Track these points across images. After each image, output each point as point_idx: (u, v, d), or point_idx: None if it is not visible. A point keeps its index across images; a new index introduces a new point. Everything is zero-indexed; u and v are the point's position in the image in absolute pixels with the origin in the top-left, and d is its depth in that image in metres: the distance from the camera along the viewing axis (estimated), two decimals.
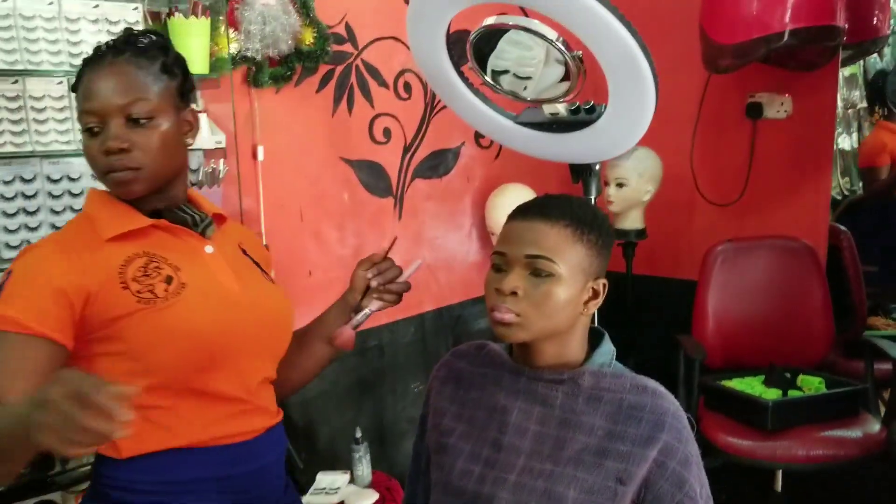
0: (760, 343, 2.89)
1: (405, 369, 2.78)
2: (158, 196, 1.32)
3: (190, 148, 1.38)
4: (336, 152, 2.54)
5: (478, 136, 2.96)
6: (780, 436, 2.48)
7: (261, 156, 2.34)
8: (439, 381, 1.41)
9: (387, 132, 2.66)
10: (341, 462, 2.54)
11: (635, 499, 1.20)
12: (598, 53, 1.65)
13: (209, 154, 2.20)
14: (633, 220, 2.98)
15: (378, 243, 2.68)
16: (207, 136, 2.16)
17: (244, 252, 1.46)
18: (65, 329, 1.19)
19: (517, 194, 2.86)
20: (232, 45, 2.22)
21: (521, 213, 1.25)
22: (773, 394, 2.60)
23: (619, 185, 2.92)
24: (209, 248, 1.35)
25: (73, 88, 1.30)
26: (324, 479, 2.39)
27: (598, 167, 2.02)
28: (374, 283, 1.46)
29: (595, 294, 1.25)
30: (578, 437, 1.21)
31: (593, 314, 1.29)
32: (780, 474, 2.66)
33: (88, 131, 1.26)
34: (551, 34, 1.75)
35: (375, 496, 2.30)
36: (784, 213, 3.03)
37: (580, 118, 1.88)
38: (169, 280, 1.26)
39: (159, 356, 1.23)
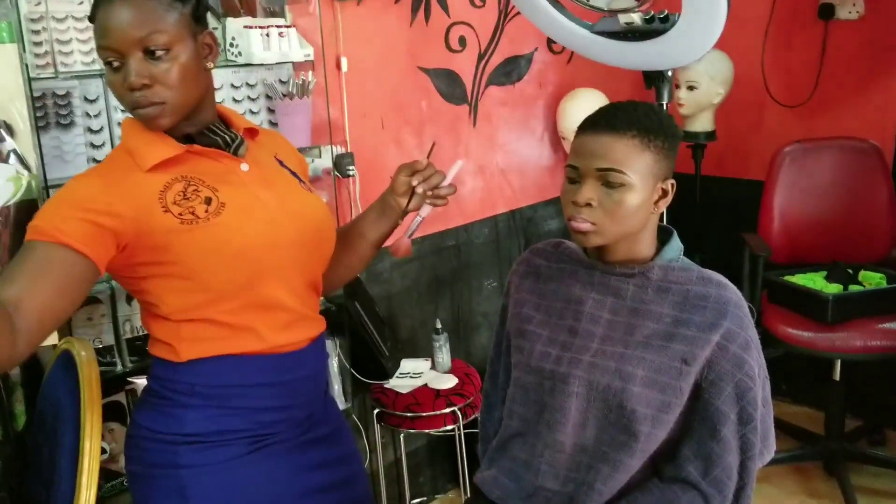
0: (824, 240, 2.97)
1: (480, 268, 2.96)
2: (187, 122, 1.35)
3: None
4: (414, 62, 2.67)
5: (550, 42, 3.04)
6: (839, 328, 2.61)
7: (345, 67, 2.48)
8: (519, 276, 1.55)
9: (462, 40, 2.77)
10: (422, 351, 2.76)
11: (698, 377, 1.33)
12: None
13: (298, 66, 2.35)
14: (703, 123, 3.05)
15: (455, 149, 2.82)
16: (297, 49, 2.30)
17: (280, 163, 1.50)
18: (92, 245, 1.21)
19: (589, 99, 2.96)
20: None
21: (590, 125, 1.31)
22: (833, 288, 2.71)
23: (690, 88, 2.98)
24: (244, 167, 1.40)
25: (91, 19, 1.29)
26: (408, 364, 2.62)
27: (670, 73, 2.11)
28: (420, 190, 1.50)
29: (664, 193, 1.34)
30: (647, 324, 1.34)
31: (662, 213, 1.39)
32: (838, 364, 2.78)
33: (108, 65, 1.27)
34: None
35: (455, 380, 2.51)
36: (853, 115, 3.06)
37: (654, 27, 1.97)
38: (208, 201, 1.31)
39: (210, 272, 1.30)
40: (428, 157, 1.53)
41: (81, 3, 1.88)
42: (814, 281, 2.78)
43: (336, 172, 2.48)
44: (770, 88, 3.23)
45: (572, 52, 3.08)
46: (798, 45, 3.15)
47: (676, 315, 1.34)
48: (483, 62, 2.85)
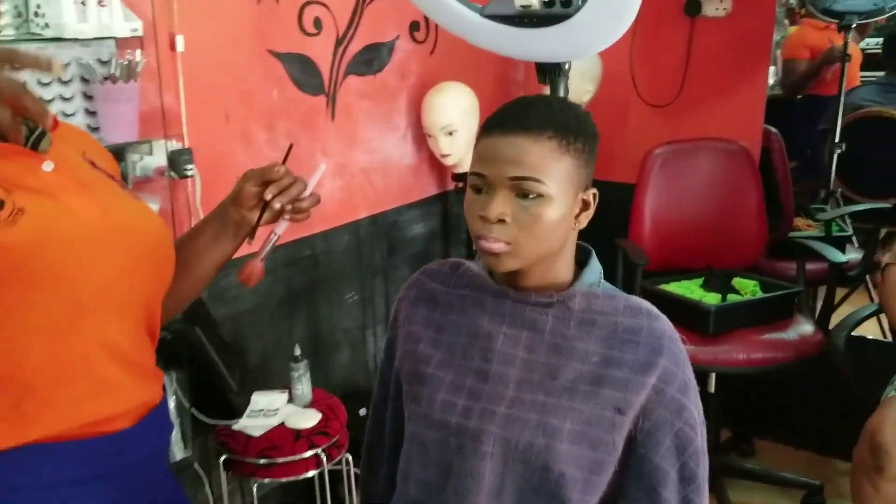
0: (696, 245, 2.88)
1: (340, 279, 2.63)
2: None
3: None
4: (264, 44, 2.29)
5: (413, 29, 2.75)
6: (721, 340, 2.50)
7: (180, 46, 2.07)
8: (409, 303, 1.29)
9: (317, 22, 2.42)
10: (277, 380, 2.41)
11: (632, 428, 1.13)
12: None
13: (123, 44, 1.93)
14: None
15: (311, 146, 2.47)
16: (121, 22, 1.88)
17: (93, 164, 1.16)
18: None
19: (456, 94, 2.70)
20: None
21: (499, 125, 1.11)
22: (712, 298, 2.61)
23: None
24: (48, 165, 1.03)
25: None
26: (261, 399, 2.25)
27: (567, 66, 1.88)
28: (277, 205, 1.19)
29: (586, 205, 1.14)
30: (572, 365, 1.13)
31: None
32: (713, 377, 2.69)
33: None
34: None
35: (317, 416, 2.18)
36: (719, 115, 2.99)
37: (554, 12, 1.72)
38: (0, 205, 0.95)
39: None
40: (284, 162, 1.22)
41: None
42: (690, 290, 2.67)
43: (171, 172, 2.08)
44: (638, 87, 3.11)
45: (436, 42, 2.81)
46: (665, 42, 3.05)
47: (605, 353, 1.13)
48: (341, 48, 2.52)
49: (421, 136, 2.81)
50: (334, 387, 2.60)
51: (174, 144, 2.11)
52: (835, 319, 2.67)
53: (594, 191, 1.15)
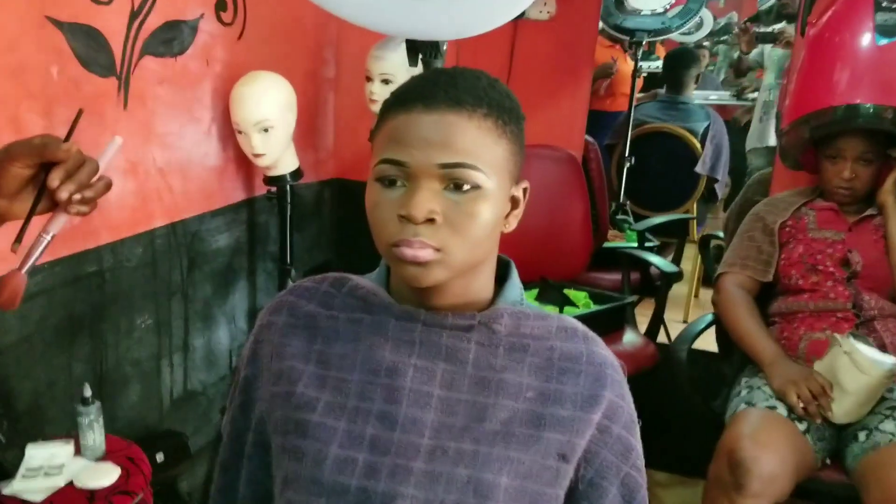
0: (527, 255, 2.73)
1: (130, 301, 2.19)
2: None
3: None
4: (41, 8, 1.83)
5: (219, 9, 2.37)
6: None
7: None
8: (278, 331, 1.00)
9: None
10: (55, 426, 1.93)
11: (574, 477, 0.94)
12: None
13: None
14: None
15: (99, 138, 2.02)
16: None
17: None
18: None
19: (270, 84, 2.35)
20: None
21: (421, 98, 0.88)
22: (549, 311, 2.47)
23: (385, 82, 2.54)
24: None
25: None
26: (38, 453, 1.77)
27: (445, 47, 1.64)
28: (64, 195, 0.90)
29: (515, 203, 0.96)
30: (503, 403, 0.92)
31: None
32: None
33: None
34: None
35: (115, 471, 1.75)
36: (544, 121, 2.90)
37: None
38: None
39: None
40: (70, 135, 0.95)
41: None
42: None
43: None
44: None
45: (244, 26, 2.46)
46: (487, 44, 2.89)
47: (542, 386, 0.94)
48: (136, 22, 2.09)
49: (227, 133, 2.43)
50: (121, 430, 2.15)
51: None
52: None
53: (525, 184, 0.97)
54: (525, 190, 0.97)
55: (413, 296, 0.96)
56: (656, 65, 4.65)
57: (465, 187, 0.86)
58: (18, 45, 1.79)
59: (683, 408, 2.32)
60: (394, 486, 0.88)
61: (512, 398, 0.92)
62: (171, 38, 2.21)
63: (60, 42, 1.89)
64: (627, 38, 3.70)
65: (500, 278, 1.03)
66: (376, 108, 2.59)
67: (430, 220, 0.85)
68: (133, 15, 2.07)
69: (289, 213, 2.48)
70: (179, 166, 2.30)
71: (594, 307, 2.53)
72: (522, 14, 2.81)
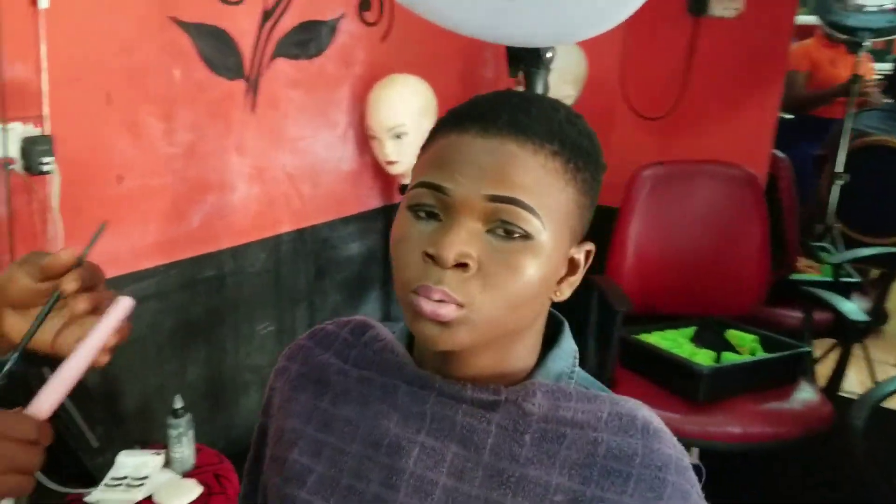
0: (686, 287, 2.45)
1: (252, 306, 2.15)
2: None
3: None
4: (164, 9, 1.81)
5: (363, 8, 2.27)
6: (713, 409, 2.06)
7: (44, 2, 1.59)
8: (289, 382, 0.86)
9: None
10: (160, 432, 1.92)
11: None
12: None
13: None
14: None
15: (222, 142, 1.99)
16: None
17: None
18: None
19: (408, 88, 2.23)
20: None
21: (480, 119, 0.70)
22: (704, 356, 2.16)
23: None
24: None
25: None
26: (128, 462, 1.75)
27: (550, 55, 1.43)
28: (81, 305, 0.73)
29: (573, 267, 0.75)
30: None
31: None
32: (695, 451, 2.26)
33: None
34: None
35: (197, 490, 1.69)
36: (722, 133, 2.56)
37: None
38: None
39: None
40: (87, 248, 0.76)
41: None
42: (679, 343, 2.23)
43: (22, 166, 1.59)
44: (627, 94, 2.66)
45: (390, 25, 2.34)
46: (662, 43, 2.60)
47: (577, 489, 0.72)
48: (270, 24, 2.03)
49: (364, 138, 2.33)
50: (237, 439, 2.12)
51: (30, 129, 1.63)
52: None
53: (590, 247, 0.77)
54: (589, 253, 0.77)
55: (435, 358, 0.77)
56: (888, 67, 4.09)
57: (516, 234, 0.68)
58: (138, 47, 1.77)
59: (860, 484, 1.94)
60: None
61: (534, 500, 0.72)
62: (308, 40, 2.14)
63: (185, 44, 1.86)
64: (849, 37, 3.24)
65: (550, 340, 0.82)
66: None
67: (462, 266, 0.67)
68: (266, 15, 2.02)
69: None
70: (310, 171, 2.23)
71: (761, 354, 2.18)
72: (704, 10, 2.49)
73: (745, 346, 2.23)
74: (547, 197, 0.69)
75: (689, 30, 2.55)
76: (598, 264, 2.37)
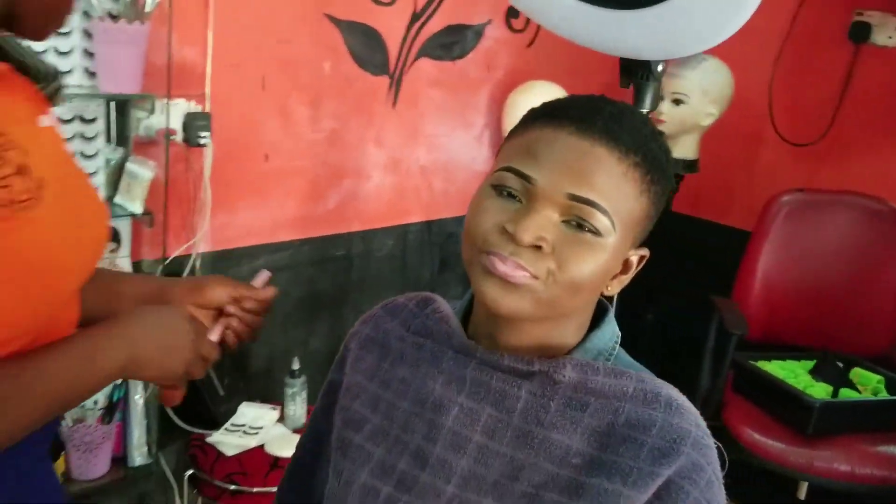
0: (813, 319, 2.36)
1: (376, 288, 2.29)
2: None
3: None
4: (320, 6, 1.98)
5: (510, 15, 2.36)
6: (821, 443, 2.00)
7: None
8: (360, 343, 0.96)
9: None
10: (276, 392, 2.09)
11: None
12: None
13: None
14: (684, 147, 2.41)
15: (363, 132, 2.14)
16: None
17: None
18: None
19: (545, 95, 2.29)
20: None
21: (577, 120, 0.77)
22: (820, 390, 2.09)
23: (677, 102, 2.33)
24: (46, 120, 0.84)
25: None
26: (248, 411, 1.94)
27: (660, 69, 1.46)
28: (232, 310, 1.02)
29: (626, 268, 0.82)
30: (541, 464, 0.79)
31: None
32: (805, 486, 2.19)
33: None
34: None
35: None
36: (871, 166, 2.44)
37: None
38: (23, 170, 0.74)
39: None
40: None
41: None
42: (795, 374, 2.16)
43: (182, 137, 1.80)
44: (775, 118, 2.59)
45: (537, 33, 2.41)
46: (817, 69, 2.52)
47: (593, 454, 0.78)
48: (418, 25, 2.16)
49: (500, 140, 2.42)
50: None
51: (192, 106, 1.83)
52: None
53: (645, 252, 0.83)
54: (642, 258, 0.83)
55: (488, 329, 0.85)
56: None
57: (586, 227, 0.75)
58: (294, 39, 1.95)
59: None
60: None
61: (554, 461, 0.78)
62: (452, 42, 2.26)
63: (337, 39, 2.03)
64: None
65: (594, 325, 0.88)
66: (662, 129, 2.39)
67: (536, 247, 0.74)
68: (414, 17, 2.15)
69: None
70: (443, 167, 2.34)
71: (884, 395, 2.08)
72: (866, 38, 2.40)
73: (869, 385, 2.13)
74: (622, 202, 0.75)
75: (848, 57, 2.46)
76: (725, 287, 2.34)
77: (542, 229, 0.74)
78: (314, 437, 1.02)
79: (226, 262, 1.95)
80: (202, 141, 1.82)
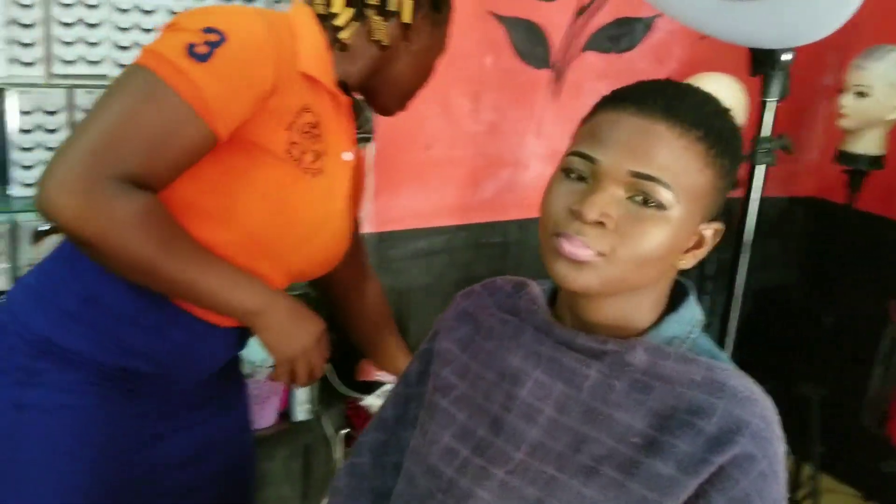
0: None
1: (530, 274, 2.28)
2: (358, 85, 1.16)
3: None
4: (484, 4, 2.08)
5: None
6: None
7: None
8: (456, 315, 1.04)
9: None
10: None
11: None
12: None
13: None
14: (868, 143, 2.25)
15: (521, 124, 2.22)
16: None
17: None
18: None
19: (716, 87, 2.24)
20: None
21: (635, 101, 0.82)
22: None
23: (860, 95, 2.18)
24: (349, 155, 1.16)
25: None
26: None
27: (790, 58, 1.42)
28: None
29: (700, 242, 0.86)
30: (603, 440, 0.83)
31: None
32: None
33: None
34: None
35: None
36: None
37: None
38: (316, 156, 1.08)
39: (255, 222, 1.04)
40: None
41: None
42: None
43: None
44: None
45: None
46: None
47: (652, 435, 0.81)
48: (583, 19, 2.20)
49: None
50: None
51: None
52: None
53: (718, 225, 0.86)
54: (717, 231, 0.86)
55: (569, 306, 0.92)
56: None
57: (650, 202, 0.79)
58: (457, 35, 2.05)
59: None
60: (473, 486, 0.88)
61: (615, 438, 0.82)
62: (620, 35, 2.27)
63: (499, 34, 2.12)
64: None
65: (673, 307, 0.92)
66: (844, 123, 2.25)
67: (600, 224, 0.80)
68: (580, 11, 2.19)
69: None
70: None
71: None
72: None
73: None
74: (684, 175, 0.79)
75: None
76: None
77: (606, 206, 0.78)
78: (403, 399, 1.10)
79: (387, 243, 2.11)
80: (369, 134, 2.00)
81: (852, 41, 2.57)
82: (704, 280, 2.56)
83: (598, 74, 2.28)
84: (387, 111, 1.22)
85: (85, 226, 0.91)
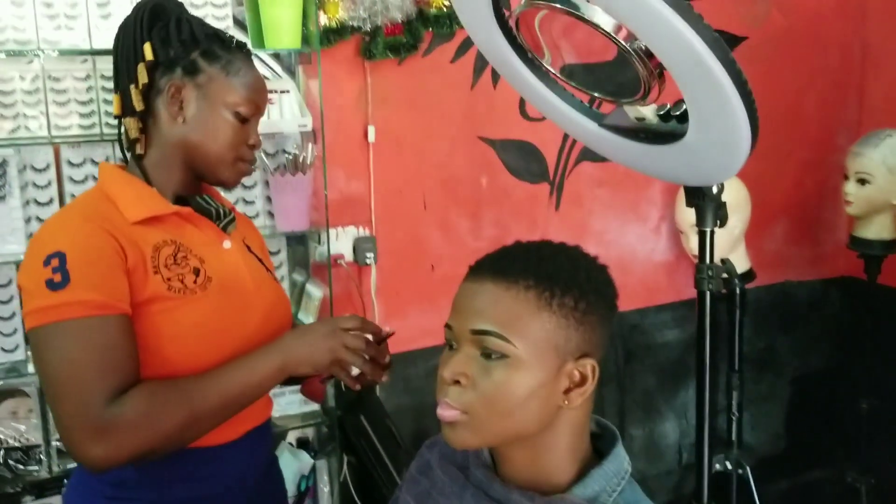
0: None
1: None
2: (186, 182, 1.24)
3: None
4: (473, 130, 2.19)
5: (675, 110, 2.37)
6: None
7: (372, 136, 2.09)
8: (418, 468, 1.08)
9: None
10: None
11: None
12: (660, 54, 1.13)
13: (306, 137, 2.02)
14: (879, 228, 2.21)
15: (526, 235, 2.27)
16: (291, 117, 1.96)
17: (248, 249, 1.36)
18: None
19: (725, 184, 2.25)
20: (340, 12, 1.98)
21: (473, 270, 0.91)
22: None
23: (862, 182, 2.16)
24: (227, 244, 1.26)
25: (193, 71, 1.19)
26: None
27: (715, 191, 1.45)
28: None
29: (581, 380, 0.87)
30: None
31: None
32: None
33: (237, 116, 1.21)
34: (606, 21, 1.24)
35: None
36: None
37: (670, 128, 1.34)
38: (196, 272, 1.19)
39: (176, 349, 1.15)
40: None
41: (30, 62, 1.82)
42: None
43: (353, 258, 2.11)
44: None
45: None
46: None
47: None
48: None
49: (677, 230, 2.41)
50: None
51: (362, 231, 2.14)
52: None
53: (592, 362, 0.88)
54: (594, 368, 0.88)
55: (498, 460, 0.95)
56: None
57: (493, 355, 0.85)
58: (450, 162, 2.19)
59: None
60: None
61: None
62: None
63: (490, 156, 2.22)
64: None
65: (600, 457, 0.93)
66: (851, 210, 2.22)
67: (457, 383, 0.86)
68: None
69: (737, 318, 2.32)
70: (617, 261, 2.39)
71: None
72: None
73: None
74: (519, 323, 0.84)
75: None
76: None
77: (460, 366, 0.85)
78: None
79: (402, 364, 2.20)
80: (368, 261, 2.11)
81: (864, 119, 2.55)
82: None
83: (596, 182, 2.33)
84: (224, 183, 1.27)
85: (127, 449, 1.04)
